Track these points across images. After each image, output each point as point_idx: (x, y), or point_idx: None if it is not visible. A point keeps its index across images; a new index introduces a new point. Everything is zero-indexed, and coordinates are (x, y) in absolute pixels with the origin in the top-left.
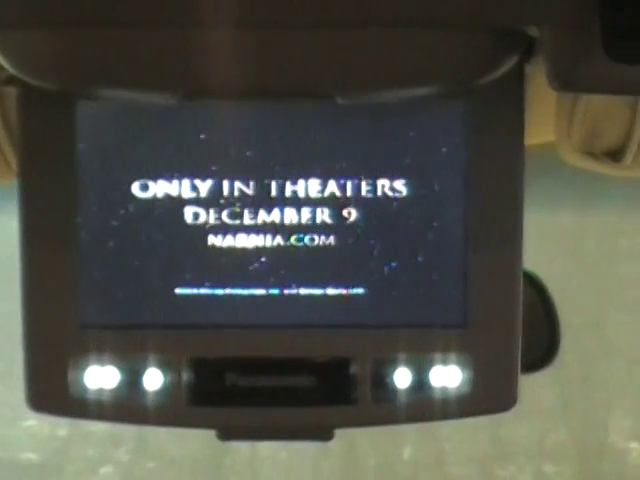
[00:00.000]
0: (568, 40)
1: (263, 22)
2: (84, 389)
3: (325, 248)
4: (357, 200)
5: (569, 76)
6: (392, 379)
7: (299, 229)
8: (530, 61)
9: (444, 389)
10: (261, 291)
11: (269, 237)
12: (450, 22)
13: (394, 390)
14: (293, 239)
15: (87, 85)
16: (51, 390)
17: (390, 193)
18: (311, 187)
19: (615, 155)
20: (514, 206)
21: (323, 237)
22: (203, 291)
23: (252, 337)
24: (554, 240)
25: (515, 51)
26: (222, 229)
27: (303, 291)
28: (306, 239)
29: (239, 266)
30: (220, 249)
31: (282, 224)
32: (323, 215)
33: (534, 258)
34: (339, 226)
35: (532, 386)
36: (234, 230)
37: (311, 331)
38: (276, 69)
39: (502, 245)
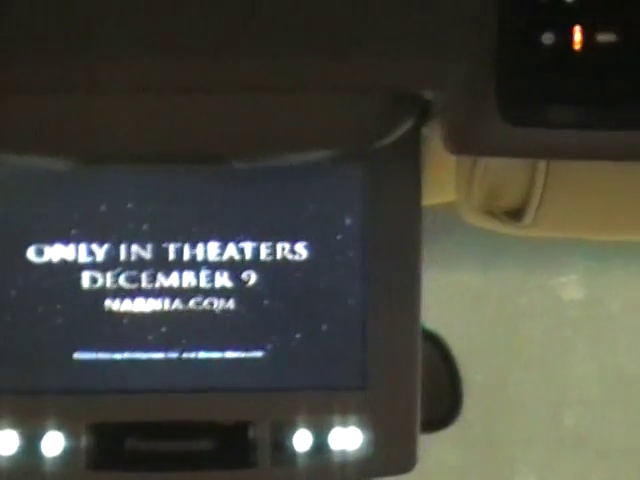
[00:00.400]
0: (463, 104)
1: (158, 88)
2: None
3: (224, 311)
4: (256, 263)
5: (464, 140)
6: (292, 442)
7: (198, 293)
8: (427, 124)
9: (344, 451)
10: (160, 355)
11: (167, 301)
12: (345, 86)
13: (294, 453)
14: (192, 303)
15: None
16: None
17: (290, 256)
18: (210, 250)
19: (515, 215)
20: (412, 268)
21: (222, 301)
22: (101, 356)
23: (151, 401)
24: (456, 299)
25: (411, 114)
26: (119, 293)
27: (202, 355)
28: (205, 303)
29: (137, 330)
30: (118, 313)
31: (180, 288)
32: (222, 278)
33: (436, 317)
34: (238, 289)
35: (436, 445)
36: (132, 294)
37: (210, 395)
38: (171, 134)
39: (400, 307)
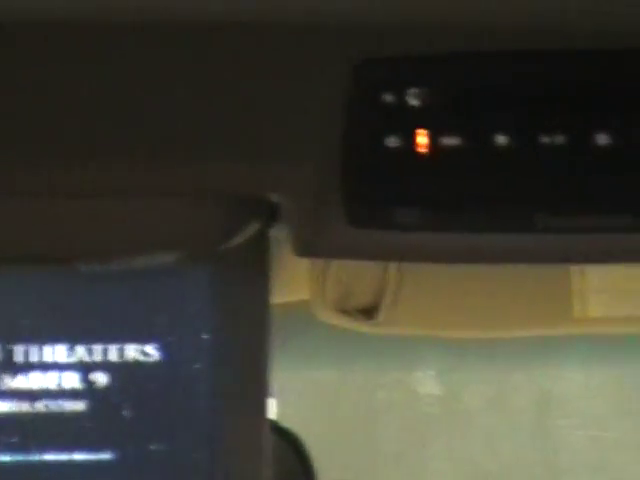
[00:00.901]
0: (309, 208)
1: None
2: None
3: (73, 413)
4: (106, 365)
5: (311, 243)
6: None
7: (46, 395)
8: (275, 226)
9: None
10: (6, 457)
11: (14, 403)
12: (189, 190)
13: None
14: (40, 405)
15: None
16: None
17: (140, 357)
18: (58, 352)
19: (369, 312)
20: (260, 366)
21: (71, 402)
22: None
23: None
24: (313, 396)
25: (258, 217)
26: None
27: (48, 457)
28: (53, 405)
29: None
30: None
31: (28, 390)
32: (71, 380)
33: (293, 414)
34: (88, 391)
35: None
36: None
37: None
38: (17, 237)
39: (248, 407)
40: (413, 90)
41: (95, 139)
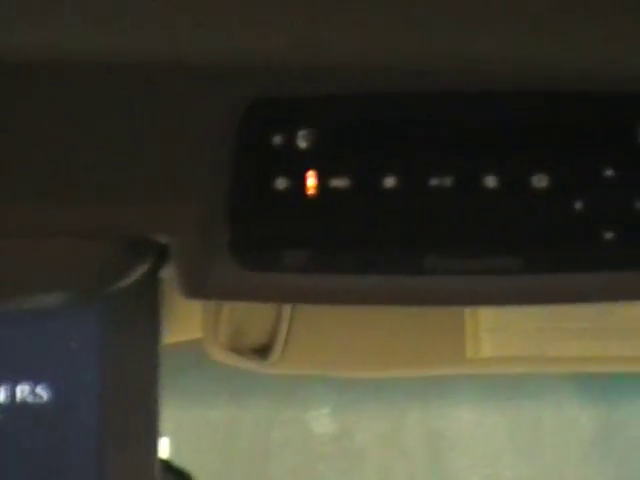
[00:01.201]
0: (197, 250)
1: None
2: None
3: None
4: None
5: (198, 284)
6: None
7: None
8: (164, 266)
9: None
10: None
11: None
12: (76, 231)
13: None
14: None
15: None
16: None
17: (30, 398)
18: None
19: (262, 351)
20: (150, 407)
21: None
22: None
23: None
24: (207, 435)
25: (146, 258)
26: None
27: None
28: None
29: None
30: None
31: None
32: None
33: (187, 454)
34: None
35: None
36: None
37: None
38: None
39: (139, 447)
40: (302, 132)
41: None
